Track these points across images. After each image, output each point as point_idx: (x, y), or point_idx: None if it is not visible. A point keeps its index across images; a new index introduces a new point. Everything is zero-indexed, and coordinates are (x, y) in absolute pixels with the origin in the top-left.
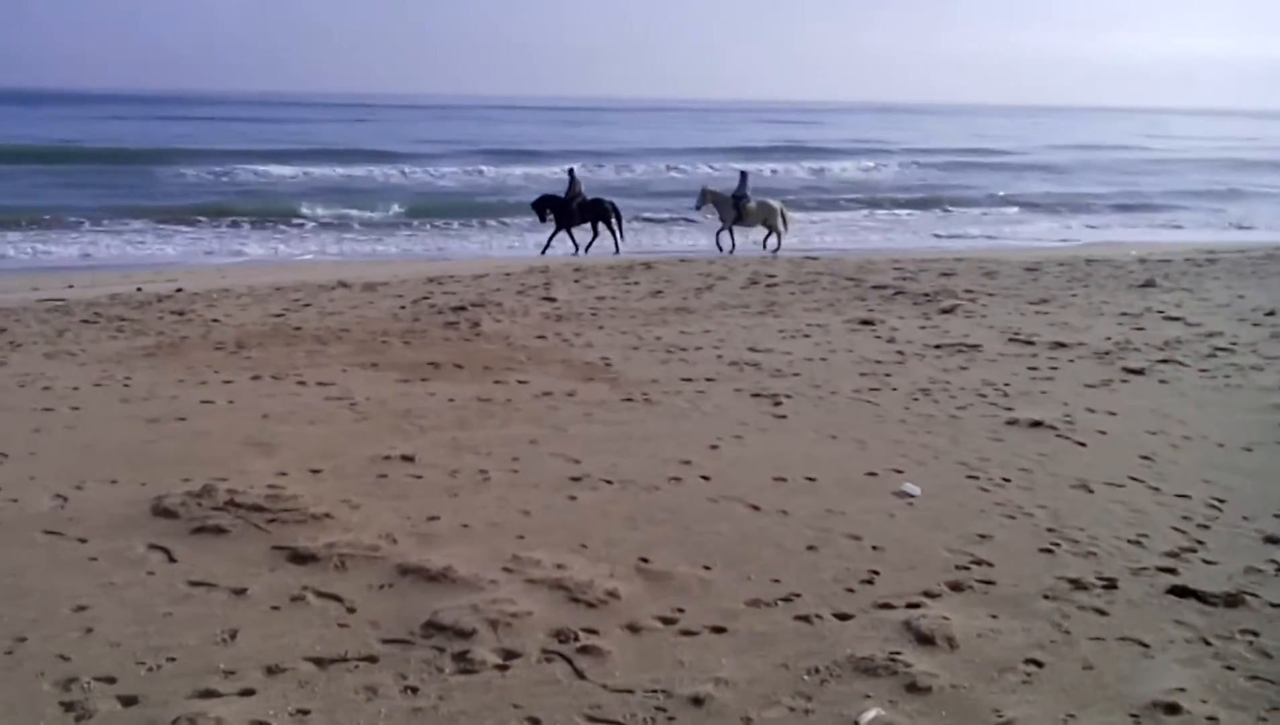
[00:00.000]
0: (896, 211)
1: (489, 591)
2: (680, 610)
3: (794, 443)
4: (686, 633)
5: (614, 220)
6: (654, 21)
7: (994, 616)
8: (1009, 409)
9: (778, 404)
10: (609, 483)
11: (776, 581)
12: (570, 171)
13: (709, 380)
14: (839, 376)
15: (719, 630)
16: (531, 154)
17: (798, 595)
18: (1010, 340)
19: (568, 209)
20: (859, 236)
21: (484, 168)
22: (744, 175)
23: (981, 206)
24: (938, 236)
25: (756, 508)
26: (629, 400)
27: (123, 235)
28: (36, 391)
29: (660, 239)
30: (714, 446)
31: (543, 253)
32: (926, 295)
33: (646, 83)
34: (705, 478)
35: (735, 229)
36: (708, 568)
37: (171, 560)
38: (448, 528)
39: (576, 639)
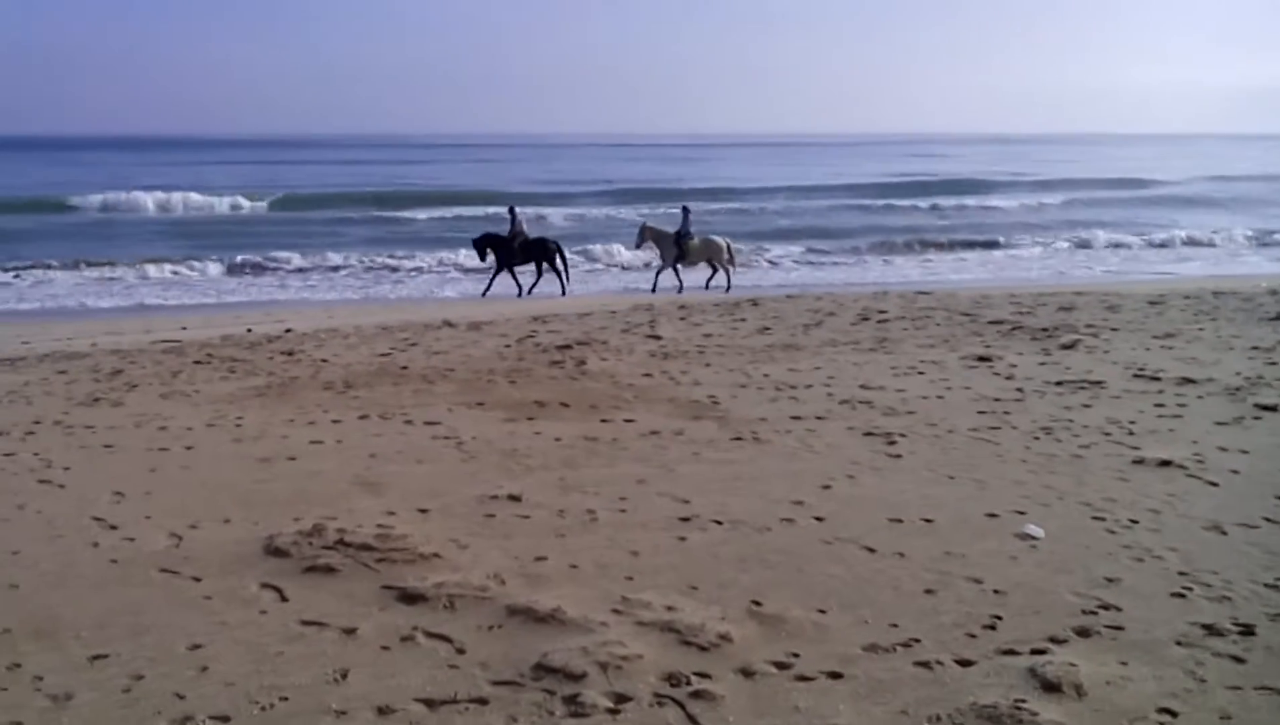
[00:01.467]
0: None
1: (599, 633)
2: (795, 655)
3: (910, 483)
4: (802, 678)
5: (558, 260)
6: (759, 57)
7: (1124, 664)
8: (1135, 448)
9: (892, 443)
10: (719, 523)
11: (894, 626)
12: (511, 210)
13: (820, 418)
14: (956, 414)
15: (836, 676)
16: (651, 193)
17: (917, 640)
18: (1135, 376)
19: (509, 248)
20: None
21: (608, 210)
22: (686, 211)
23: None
24: (1061, 272)
25: (872, 550)
26: (738, 439)
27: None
28: (152, 431)
29: (778, 276)
30: (826, 486)
31: (483, 295)
32: (1046, 330)
33: (744, 118)
34: (818, 519)
35: (680, 267)
36: (822, 611)
37: (283, 599)
38: (556, 568)
39: (688, 683)
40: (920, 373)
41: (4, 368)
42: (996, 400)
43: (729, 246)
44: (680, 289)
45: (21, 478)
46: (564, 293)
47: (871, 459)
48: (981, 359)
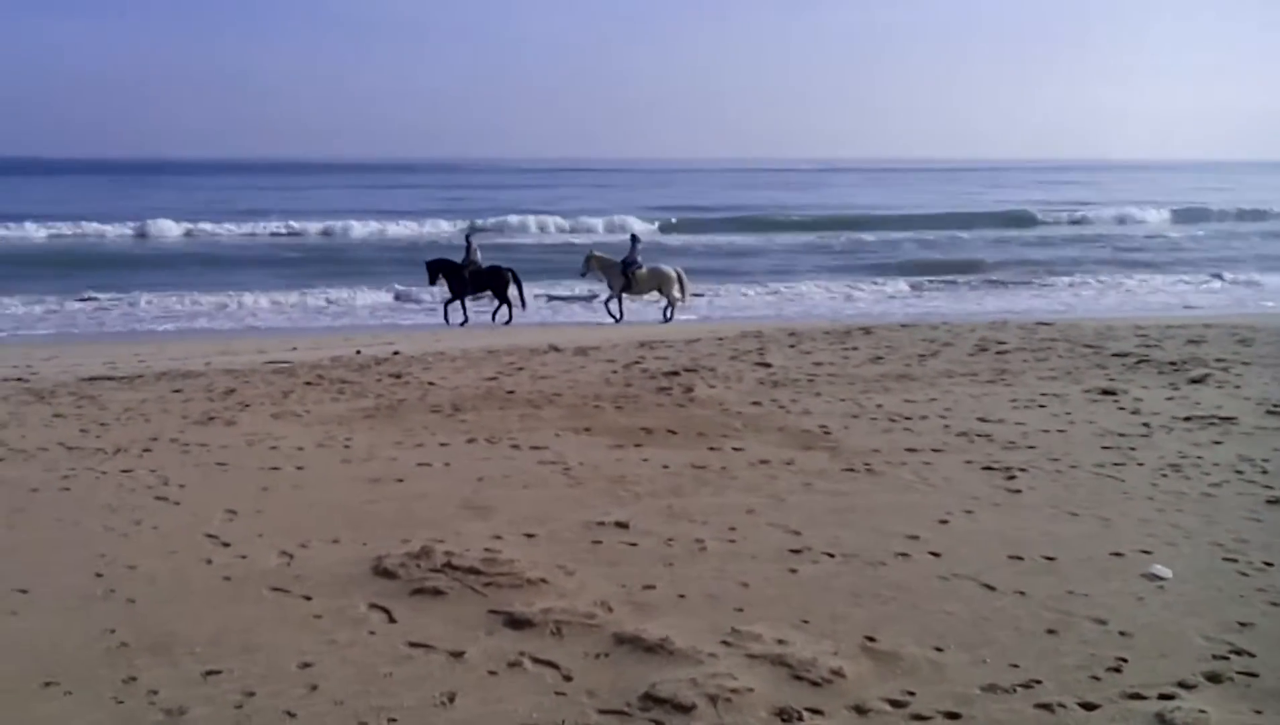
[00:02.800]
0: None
1: (708, 665)
2: (910, 693)
3: (1030, 519)
4: (918, 717)
5: (514, 288)
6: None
7: (1258, 712)
8: (1269, 487)
9: (1011, 478)
10: (831, 556)
11: (1014, 666)
12: (467, 237)
13: (936, 451)
14: (1078, 449)
15: (953, 716)
16: (765, 222)
17: (1038, 681)
18: (1269, 412)
19: (460, 276)
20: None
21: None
22: (634, 239)
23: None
24: (1188, 307)
25: (991, 587)
26: (850, 470)
27: None
28: (264, 450)
29: (894, 306)
30: (943, 521)
31: (447, 321)
32: (1173, 363)
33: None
34: (934, 554)
35: (626, 297)
36: (939, 649)
37: (391, 620)
38: (664, 597)
39: (800, 719)
40: (1041, 406)
41: (124, 386)
42: (1121, 435)
43: (680, 276)
44: (618, 320)
45: (139, 494)
46: (509, 320)
47: (990, 494)
48: (1106, 392)
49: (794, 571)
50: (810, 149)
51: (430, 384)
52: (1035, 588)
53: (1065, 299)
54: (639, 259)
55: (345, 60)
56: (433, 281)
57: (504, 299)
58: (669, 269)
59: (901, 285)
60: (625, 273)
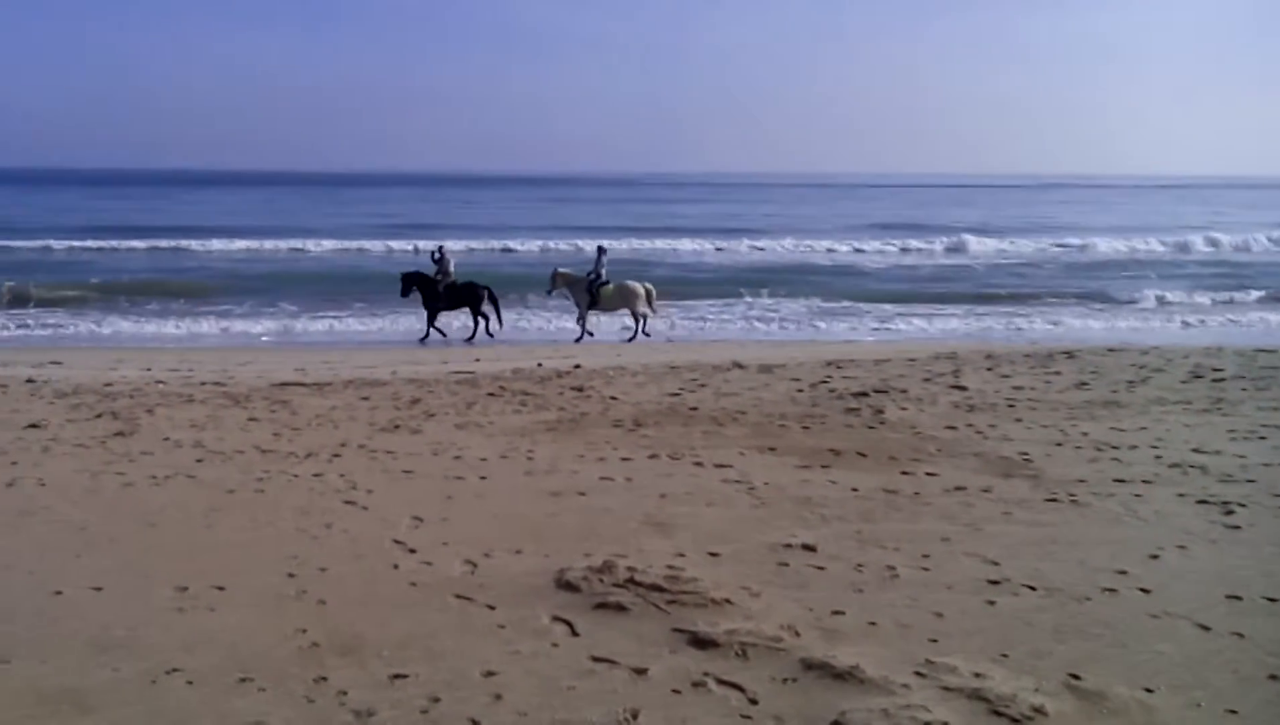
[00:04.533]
0: None
1: (900, 696)
2: None
3: (1250, 557)
4: None
5: (489, 304)
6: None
7: None
8: None
9: (1229, 513)
10: (1032, 589)
11: (1232, 712)
12: (440, 250)
13: (1146, 482)
14: None
15: None
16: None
17: None
18: None
19: (434, 290)
20: None
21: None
22: (600, 251)
23: None
24: None
25: (1206, 628)
26: (1053, 500)
27: None
28: (448, 460)
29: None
30: (1154, 556)
31: (421, 341)
32: None
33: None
34: (1144, 590)
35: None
36: (1149, 690)
37: (574, 634)
38: (853, 624)
39: None
40: (1262, 437)
41: (314, 392)
42: None
43: (649, 292)
44: (580, 338)
45: (328, 498)
46: (490, 334)
47: (1205, 529)
48: None
49: (992, 603)
50: (1017, 163)
51: (612, 398)
52: (1256, 630)
53: None
54: (604, 273)
55: (524, 73)
56: (405, 294)
57: (479, 315)
58: (636, 285)
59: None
60: (591, 289)
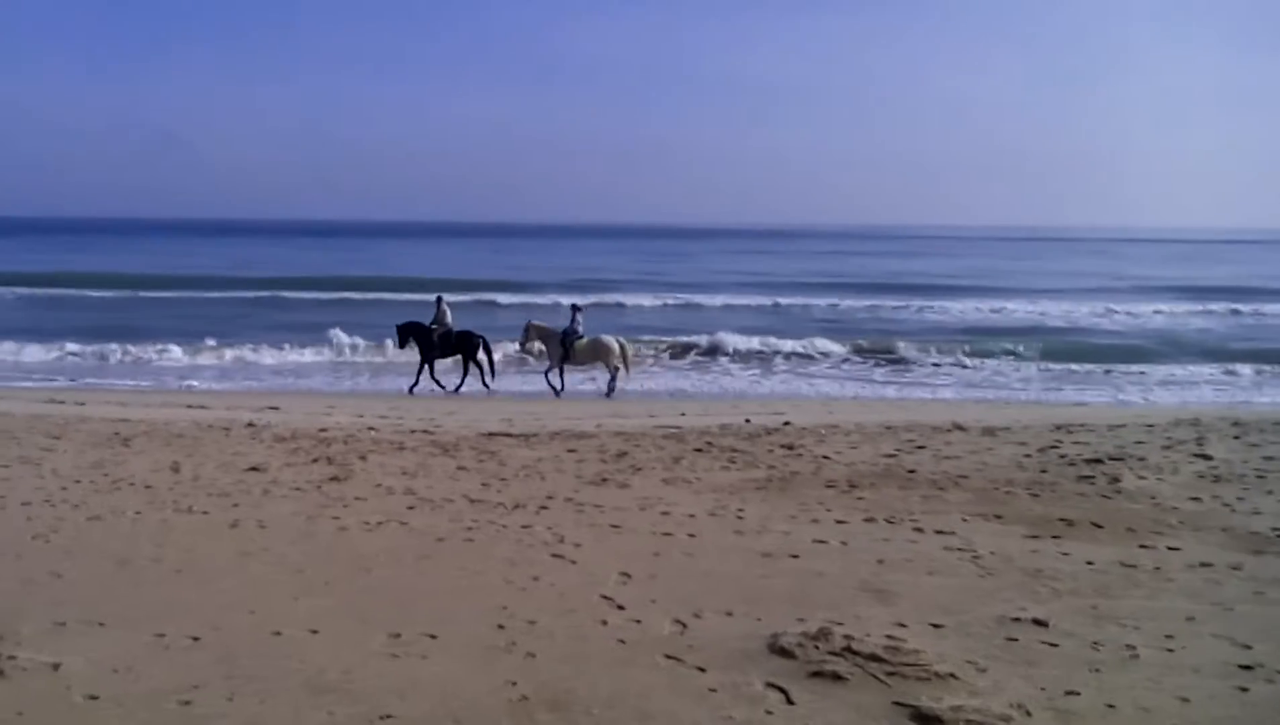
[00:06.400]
0: None
1: None
2: None
3: None
4: None
5: (484, 354)
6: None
7: None
8: None
9: None
10: None
11: None
12: (438, 299)
13: None
14: None
15: None
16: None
17: None
18: None
19: (429, 339)
20: None
21: (1113, 307)
22: (575, 308)
23: None
24: None
25: None
26: None
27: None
28: (655, 515)
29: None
30: None
31: (410, 391)
32: None
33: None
34: None
35: (566, 369)
36: None
37: (789, 702)
38: (1089, 706)
39: None
40: None
41: (521, 443)
42: None
43: (623, 347)
44: (558, 392)
45: (536, 550)
46: (488, 389)
47: None
48: None
49: (1244, 690)
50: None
51: (824, 458)
52: None
53: None
54: (579, 329)
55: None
56: (402, 345)
57: (470, 365)
58: (610, 340)
59: None
60: (564, 343)
